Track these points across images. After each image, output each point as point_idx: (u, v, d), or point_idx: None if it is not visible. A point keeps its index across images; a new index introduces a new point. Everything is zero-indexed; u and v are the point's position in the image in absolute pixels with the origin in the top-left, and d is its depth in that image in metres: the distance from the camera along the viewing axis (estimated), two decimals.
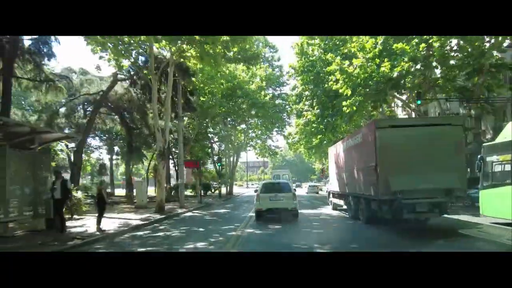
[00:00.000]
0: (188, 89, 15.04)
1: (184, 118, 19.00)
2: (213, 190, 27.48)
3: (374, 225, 7.14)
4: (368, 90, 11.52)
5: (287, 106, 23.65)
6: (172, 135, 18.53)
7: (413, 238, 5.82)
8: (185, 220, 9.54)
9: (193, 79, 14.79)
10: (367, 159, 7.20)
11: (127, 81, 15.39)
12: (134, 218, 8.96)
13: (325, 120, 16.47)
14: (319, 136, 19.00)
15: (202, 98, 18.76)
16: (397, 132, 6.59)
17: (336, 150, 11.51)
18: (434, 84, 11.96)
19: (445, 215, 6.87)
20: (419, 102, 11.50)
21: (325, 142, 19.05)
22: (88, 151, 24.63)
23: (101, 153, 26.34)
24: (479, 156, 6.79)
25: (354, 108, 11.70)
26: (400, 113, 20.48)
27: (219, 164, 21.88)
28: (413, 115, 14.31)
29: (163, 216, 9.69)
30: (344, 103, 11.84)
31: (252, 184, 54.24)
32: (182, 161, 14.29)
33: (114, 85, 14.72)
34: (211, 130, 24.68)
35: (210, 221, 9.24)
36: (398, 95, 14.05)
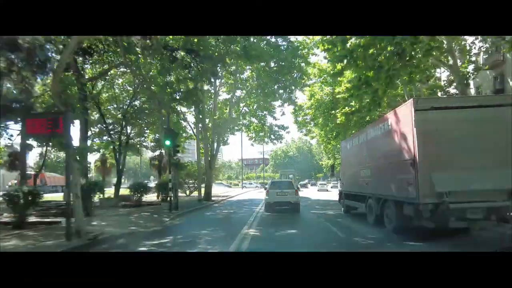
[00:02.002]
0: None
1: None
2: (187, 192, 29.02)
3: (406, 235, 8.06)
4: None
5: (301, 63, 22.90)
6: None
7: None
8: None
9: None
10: (400, 151, 8.09)
11: None
12: None
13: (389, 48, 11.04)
14: (352, 105, 17.88)
15: None
16: (442, 115, 7.43)
17: (352, 143, 13.13)
18: None
19: None
20: None
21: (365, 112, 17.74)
22: None
23: (11, 136, 25.31)
24: None
25: None
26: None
27: (168, 144, 15.73)
28: None
29: None
30: None
31: (250, 184, 64.42)
32: None
33: None
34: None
35: None
36: None
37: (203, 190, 24.31)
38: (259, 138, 31.09)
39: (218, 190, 41.96)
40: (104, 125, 20.85)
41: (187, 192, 29.10)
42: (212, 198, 24.95)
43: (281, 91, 25.13)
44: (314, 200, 24.31)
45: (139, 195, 19.21)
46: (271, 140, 31.06)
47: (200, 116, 23.81)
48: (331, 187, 39.71)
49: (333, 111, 23.38)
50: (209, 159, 25.11)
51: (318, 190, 39.67)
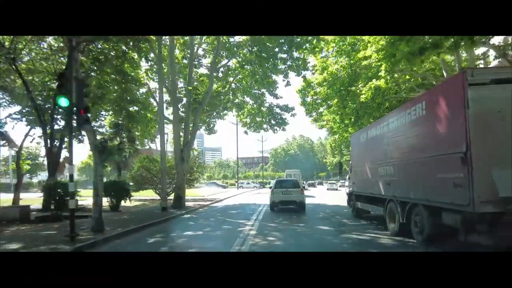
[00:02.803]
0: None
1: None
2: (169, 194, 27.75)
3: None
4: None
5: None
6: None
7: None
8: None
9: None
10: (443, 142, 7.97)
11: None
12: None
13: None
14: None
15: None
16: (506, 91, 7.08)
17: (367, 136, 13.52)
18: None
19: None
20: None
21: None
22: None
23: None
24: None
25: None
26: None
27: (65, 104, 10.83)
28: None
29: None
30: None
31: (248, 183, 76.11)
32: None
33: None
34: None
35: None
36: None
37: (191, 192, 23.29)
38: (256, 125, 29.83)
39: (208, 191, 43.72)
40: (31, 101, 19.48)
41: (169, 194, 27.94)
42: (188, 204, 23.72)
43: (284, 55, 24.04)
44: (331, 206, 23.09)
45: (52, 202, 16.90)
46: (271, 127, 29.52)
47: (166, 83, 21.84)
48: (339, 186, 53.16)
49: (353, 87, 22.89)
50: (181, 148, 22.77)
51: (327, 189, 55.11)
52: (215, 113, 29.30)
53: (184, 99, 24.41)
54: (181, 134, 23.92)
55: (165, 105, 26.28)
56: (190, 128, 23.68)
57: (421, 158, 8.99)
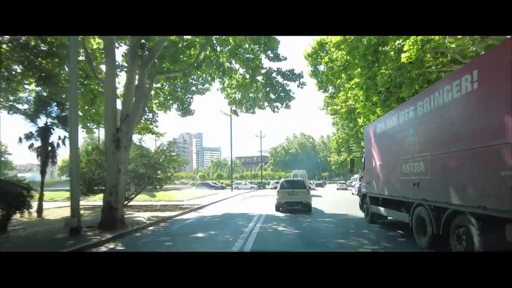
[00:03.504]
0: None
1: None
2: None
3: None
4: None
5: None
6: None
7: None
8: None
9: None
10: (507, 127, 7.26)
11: None
12: None
13: None
14: None
15: None
16: None
17: (386, 125, 13.28)
18: None
19: None
20: None
21: None
22: None
23: None
24: None
25: None
26: None
27: None
28: None
29: None
30: None
31: (245, 184, 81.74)
32: None
33: None
34: None
35: None
36: None
37: (169, 195, 20.08)
38: (249, 102, 24.64)
39: (193, 194, 41.83)
40: None
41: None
42: (140, 216, 18.71)
43: None
44: (361, 219, 18.50)
45: None
46: (269, 104, 24.09)
47: None
48: (348, 186, 66.51)
49: (385, 47, 18.80)
50: (119, 125, 15.77)
51: (337, 189, 68.30)
52: (193, 88, 24.20)
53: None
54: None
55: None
56: (133, 92, 16.44)
57: (472, 149, 8.12)
